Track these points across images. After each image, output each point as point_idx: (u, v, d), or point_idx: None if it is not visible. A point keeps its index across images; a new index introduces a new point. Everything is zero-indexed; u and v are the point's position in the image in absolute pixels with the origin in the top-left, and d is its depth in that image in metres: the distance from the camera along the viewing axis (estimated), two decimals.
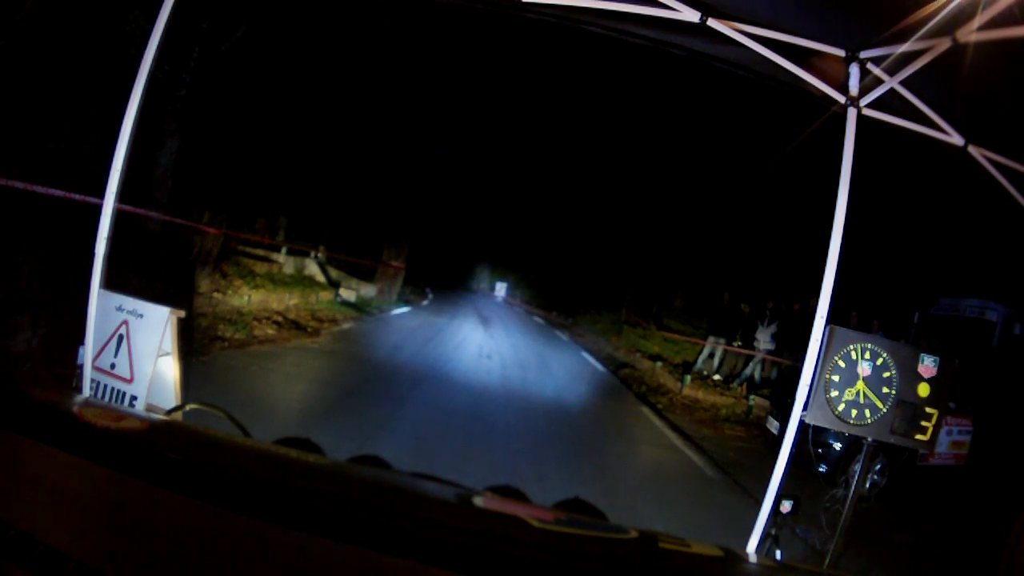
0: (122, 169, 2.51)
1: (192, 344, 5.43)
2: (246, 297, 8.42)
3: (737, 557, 1.00)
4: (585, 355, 12.20)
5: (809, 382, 2.63)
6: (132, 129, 2.50)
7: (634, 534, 0.99)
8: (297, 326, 8.32)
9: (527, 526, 0.94)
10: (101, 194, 2.51)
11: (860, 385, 2.59)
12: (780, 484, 2.53)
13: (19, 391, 1.05)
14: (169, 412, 1.25)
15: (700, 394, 9.13)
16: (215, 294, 8.04)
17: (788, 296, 10.91)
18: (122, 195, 2.55)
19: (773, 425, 6.73)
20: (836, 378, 2.61)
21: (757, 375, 10.19)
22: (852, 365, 2.60)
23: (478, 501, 1.07)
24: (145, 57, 2.48)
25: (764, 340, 10.62)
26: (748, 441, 7.09)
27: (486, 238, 38.42)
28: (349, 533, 0.75)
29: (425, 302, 19.26)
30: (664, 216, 16.20)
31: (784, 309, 10.61)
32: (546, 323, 19.68)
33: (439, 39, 13.74)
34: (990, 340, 10.15)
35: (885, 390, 2.58)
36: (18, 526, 0.71)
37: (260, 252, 11.14)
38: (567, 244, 25.18)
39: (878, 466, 5.48)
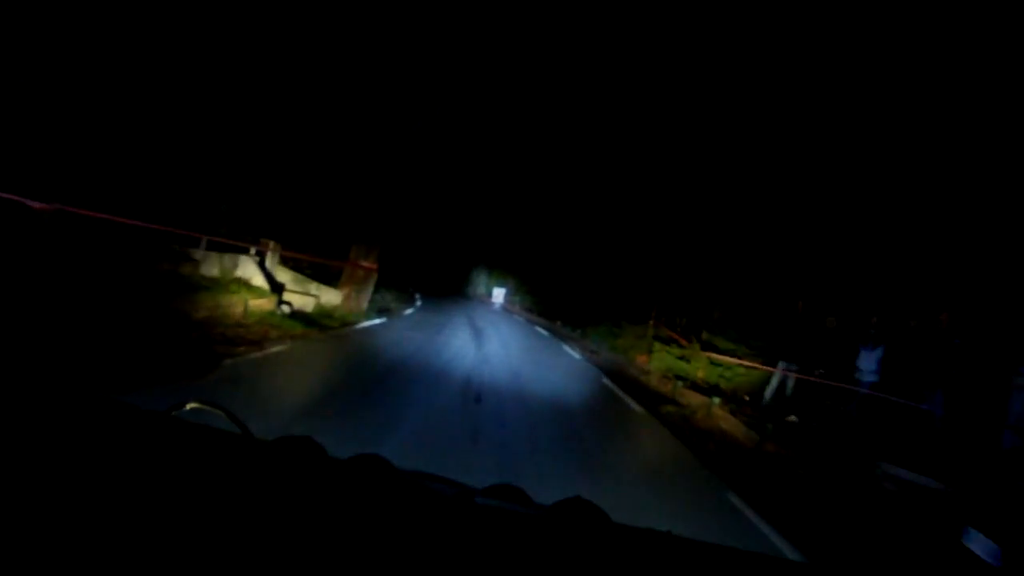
0: None
1: None
2: None
3: (743, 557, 0.87)
4: (608, 383, 9.26)
5: None
6: None
7: (637, 534, 0.92)
8: (184, 355, 5.39)
9: (527, 525, 0.88)
10: None
11: None
12: None
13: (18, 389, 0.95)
14: (168, 410, 1.08)
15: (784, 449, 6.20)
16: None
17: (896, 307, 8.00)
18: None
19: (982, 548, 3.78)
20: None
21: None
22: None
23: (478, 500, 0.95)
24: None
25: (868, 369, 7.71)
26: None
27: (484, 240, 35.58)
28: (349, 533, 0.73)
29: (410, 310, 16.34)
30: (696, 198, 13.24)
31: (893, 326, 7.70)
32: (551, 336, 16.73)
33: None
34: None
35: None
36: None
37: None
38: (574, 243, 22.19)
39: None
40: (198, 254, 8.17)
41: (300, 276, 11.20)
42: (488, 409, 5.63)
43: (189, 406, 1.12)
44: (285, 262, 11.27)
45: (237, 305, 7.91)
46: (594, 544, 0.85)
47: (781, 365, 8.47)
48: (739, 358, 9.78)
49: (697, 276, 12.82)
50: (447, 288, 34.22)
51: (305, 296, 10.82)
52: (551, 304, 22.78)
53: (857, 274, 9.19)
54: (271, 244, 10.63)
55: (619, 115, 17.41)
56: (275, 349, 6.65)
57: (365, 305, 11.86)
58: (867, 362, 7.72)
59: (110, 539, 0.64)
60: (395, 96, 12.06)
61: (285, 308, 9.17)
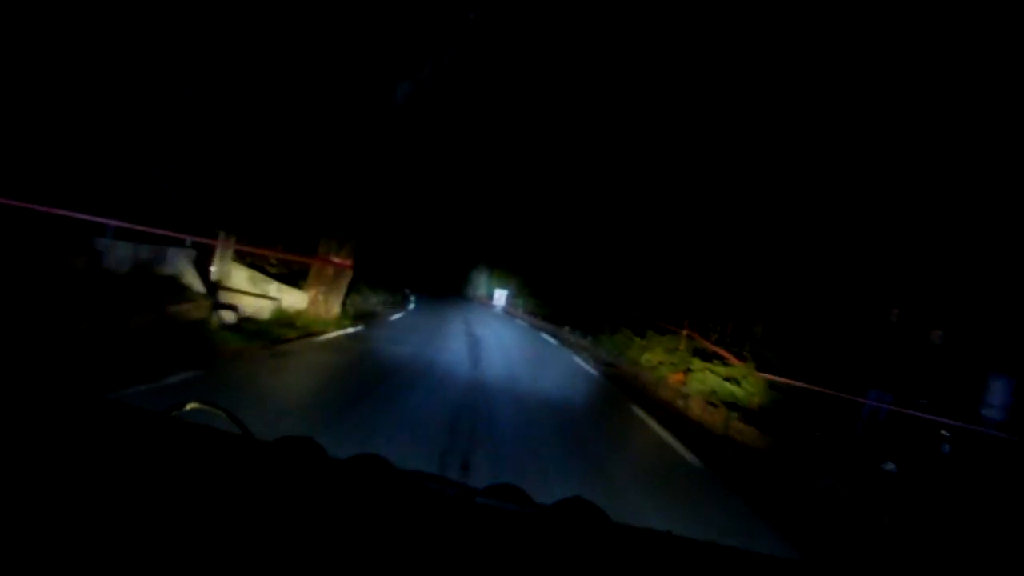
0: None
1: None
2: None
3: (743, 557, 0.85)
4: (640, 414, 7.23)
5: None
6: None
7: (637, 534, 0.91)
8: (18, 392, 3.37)
9: (527, 525, 0.87)
10: None
11: None
12: None
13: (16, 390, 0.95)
14: (168, 411, 1.05)
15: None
16: None
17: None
18: None
19: None
20: None
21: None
22: None
23: (478, 500, 0.94)
24: None
25: (999, 404, 5.68)
26: None
27: (485, 238, 33.59)
28: (349, 533, 0.72)
29: (398, 315, 14.32)
30: (735, 183, 11.20)
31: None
32: (560, 344, 14.71)
33: None
34: None
35: None
36: None
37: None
38: (585, 240, 20.14)
39: None
40: (102, 244, 6.15)
41: (259, 275, 9.20)
42: (480, 481, 3.60)
43: (189, 406, 1.09)
44: (243, 257, 9.28)
45: (148, 312, 5.90)
46: (594, 544, 0.83)
47: (872, 395, 6.44)
48: (799, 380, 7.73)
49: (736, 276, 10.77)
50: (444, 289, 32.23)
51: (261, 299, 8.81)
52: (558, 308, 20.74)
53: (976, 270, 7.09)
54: (222, 236, 8.61)
55: (637, 98, 15.42)
56: (179, 378, 4.63)
57: (337, 309, 9.83)
58: (999, 395, 5.70)
59: (111, 540, 0.63)
60: (376, 60, 10.04)
61: (225, 315, 7.16)
